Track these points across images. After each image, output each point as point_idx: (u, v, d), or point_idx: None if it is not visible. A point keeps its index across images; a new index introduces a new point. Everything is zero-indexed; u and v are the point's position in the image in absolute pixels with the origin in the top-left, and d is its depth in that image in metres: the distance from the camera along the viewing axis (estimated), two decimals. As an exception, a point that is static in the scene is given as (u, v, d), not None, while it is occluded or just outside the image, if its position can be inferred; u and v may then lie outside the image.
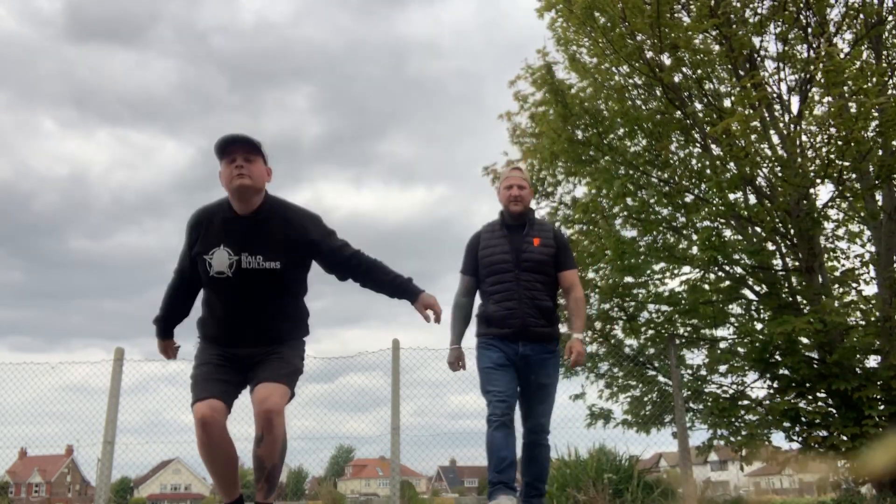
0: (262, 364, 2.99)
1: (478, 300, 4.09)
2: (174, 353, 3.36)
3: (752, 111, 7.44)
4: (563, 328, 4.69)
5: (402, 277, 3.14)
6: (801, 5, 7.47)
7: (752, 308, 7.99)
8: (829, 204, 7.61)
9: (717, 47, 7.87)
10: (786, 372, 7.30)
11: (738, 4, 7.66)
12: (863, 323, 7.29)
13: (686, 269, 8.24)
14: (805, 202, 7.39)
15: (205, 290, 3.10)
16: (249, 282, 2.97)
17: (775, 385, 7.45)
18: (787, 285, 7.72)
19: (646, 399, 8.27)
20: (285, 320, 3.11)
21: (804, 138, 7.46)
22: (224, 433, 2.85)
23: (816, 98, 7.69)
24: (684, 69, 7.95)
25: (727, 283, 7.92)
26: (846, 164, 7.02)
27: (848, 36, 7.88)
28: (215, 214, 3.02)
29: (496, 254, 3.93)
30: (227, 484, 2.95)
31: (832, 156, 6.95)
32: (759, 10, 7.76)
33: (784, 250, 7.84)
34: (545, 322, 3.87)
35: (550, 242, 3.96)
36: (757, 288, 7.94)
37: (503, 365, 3.78)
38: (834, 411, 7.02)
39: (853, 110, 6.68)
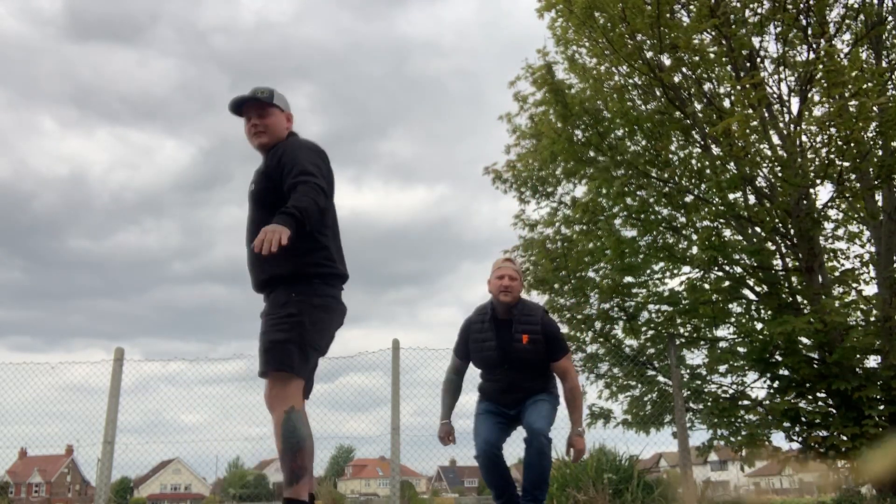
0: None
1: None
2: None
3: (751, 111, 7.44)
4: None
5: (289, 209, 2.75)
6: (801, 6, 7.48)
7: (752, 308, 7.99)
8: (829, 204, 7.62)
9: (716, 47, 7.88)
10: (786, 372, 7.31)
11: (738, 4, 7.66)
12: (863, 323, 7.29)
13: (686, 269, 8.25)
14: (805, 202, 7.39)
15: None
16: (250, 210, 3.07)
17: (775, 385, 7.45)
18: (787, 285, 7.72)
19: (646, 399, 8.27)
20: (267, 257, 2.79)
21: (804, 138, 7.47)
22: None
23: (816, 98, 7.70)
24: (684, 69, 7.95)
25: (727, 283, 7.93)
26: (846, 164, 7.03)
27: (848, 36, 7.89)
28: None
29: (485, 350, 3.98)
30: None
31: (832, 156, 6.96)
32: (758, 11, 7.76)
33: (784, 250, 7.85)
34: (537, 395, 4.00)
35: (538, 337, 3.92)
36: (757, 288, 7.94)
37: (492, 412, 3.98)
38: (834, 411, 7.02)
39: (853, 110, 6.68)
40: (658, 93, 8.11)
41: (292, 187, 2.80)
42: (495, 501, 3.94)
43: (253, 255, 2.95)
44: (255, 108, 3.10)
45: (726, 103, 8.06)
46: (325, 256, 2.97)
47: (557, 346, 3.96)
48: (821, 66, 6.86)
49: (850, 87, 6.77)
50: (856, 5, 7.70)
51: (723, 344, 8.02)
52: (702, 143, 8.22)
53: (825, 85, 6.93)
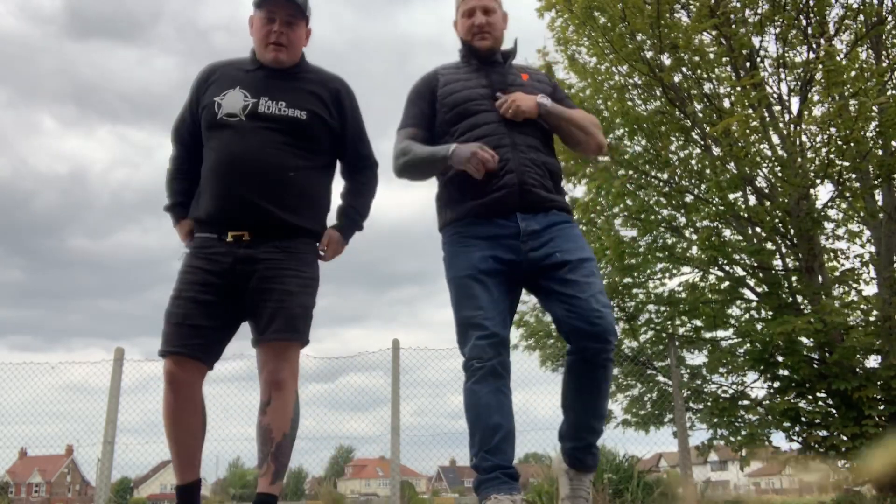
0: (264, 295, 2.34)
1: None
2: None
3: (752, 111, 7.44)
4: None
5: (356, 215, 2.71)
6: (801, 5, 7.48)
7: (752, 308, 7.99)
8: (829, 204, 7.62)
9: (716, 47, 7.88)
10: (786, 372, 7.31)
11: (738, 4, 7.66)
12: (863, 323, 7.29)
13: (686, 269, 8.25)
14: (805, 202, 7.39)
15: (206, 149, 2.49)
16: (264, 131, 2.41)
17: (775, 385, 7.45)
18: (787, 285, 7.72)
19: (646, 399, 8.28)
20: (300, 197, 2.44)
21: (804, 138, 7.47)
22: (194, 398, 2.39)
23: (816, 98, 7.70)
24: (684, 69, 7.95)
25: (727, 283, 7.93)
26: (846, 164, 7.03)
27: (847, 36, 7.89)
28: (233, 66, 2.61)
29: (469, 88, 2.58)
30: (184, 461, 2.47)
31: (832, 156, 6.96)
32: (758, 11, 7.76)
33: (784, 250, 7.85)
34: (552, 184, 2.57)
35: (543, 78, 2.75)
36: (757, 288, 7.94)
37: (487, 272, 2.37)
38: (834, 411, 7.02)
39: (853, 110, 6.68)
40: (658, 93, 8.11)
41: (363, 168, 2.74)
42: (485, 458, 2.40)
43: (284, 189, 2.41)
44: (286, 10, 2.48)
45: (726, 103, 8.05)
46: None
47: (568, 99, 2.79)
48: (820, 66, 6.86)
49: (849, 86, 6.77)
50: (856, 5, 7.69)
51: (723, 344, 8.02)
52: (702, 143, 8.22)
53: (825, 85, 6.93)
